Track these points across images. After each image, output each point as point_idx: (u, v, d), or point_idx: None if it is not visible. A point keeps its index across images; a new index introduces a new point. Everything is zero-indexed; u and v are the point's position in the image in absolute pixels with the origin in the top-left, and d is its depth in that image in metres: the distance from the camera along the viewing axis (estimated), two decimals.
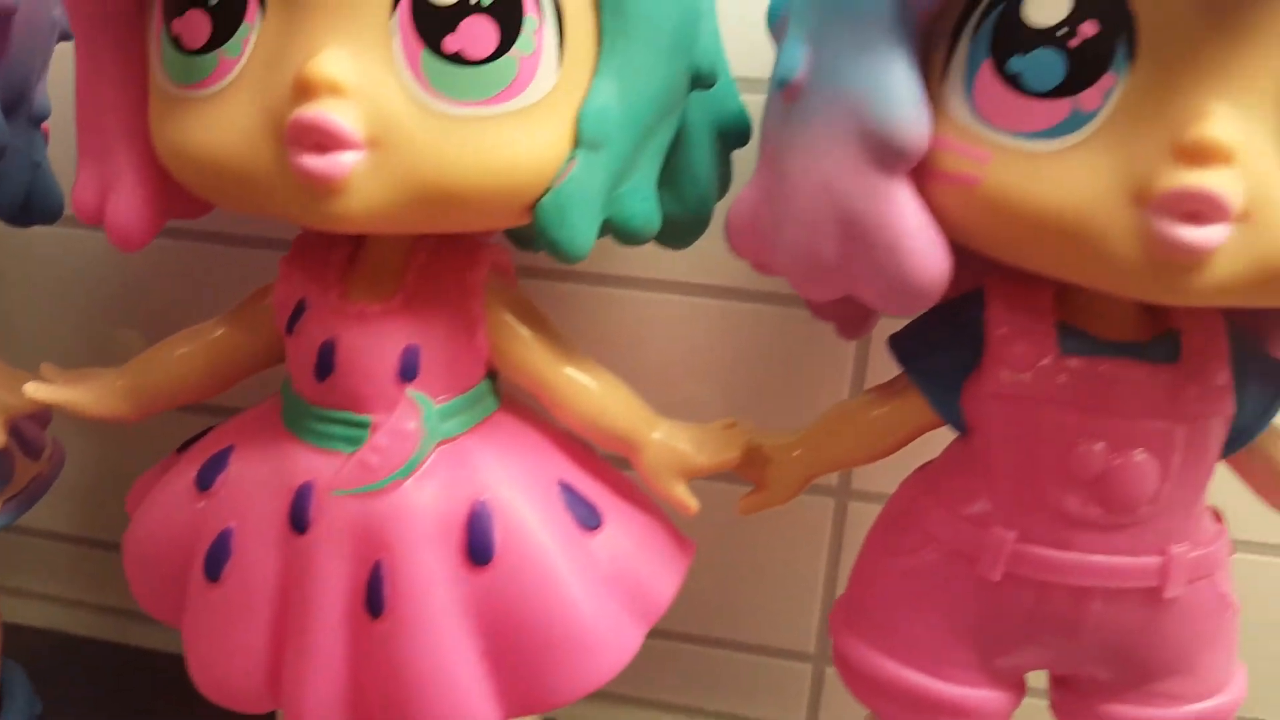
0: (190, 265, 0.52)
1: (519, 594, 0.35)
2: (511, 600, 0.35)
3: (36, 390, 0.39)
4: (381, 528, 0.35)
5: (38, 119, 0.42)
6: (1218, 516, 0.37)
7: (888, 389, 0.38)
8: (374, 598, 0.35)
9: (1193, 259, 0.27)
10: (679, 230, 0.39)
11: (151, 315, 0.54)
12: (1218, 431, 0.34)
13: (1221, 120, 0.27)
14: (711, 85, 0.35)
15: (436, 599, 0.35)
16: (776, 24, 0.34)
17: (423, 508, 0.35)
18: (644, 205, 0.35)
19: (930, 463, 0.38)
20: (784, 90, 0.32)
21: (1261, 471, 0.36)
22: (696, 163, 0.38)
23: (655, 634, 0.38)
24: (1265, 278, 0.28)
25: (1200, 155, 0.27)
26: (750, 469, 0.39)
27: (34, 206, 0.42)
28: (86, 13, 0.33)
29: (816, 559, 0.52)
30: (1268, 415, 0.35)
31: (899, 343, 0.37)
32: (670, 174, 0.37)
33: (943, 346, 0.36)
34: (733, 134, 0.39)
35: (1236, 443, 0.34)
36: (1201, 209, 0.27)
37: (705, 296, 0.48)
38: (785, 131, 0.32)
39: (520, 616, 0.35)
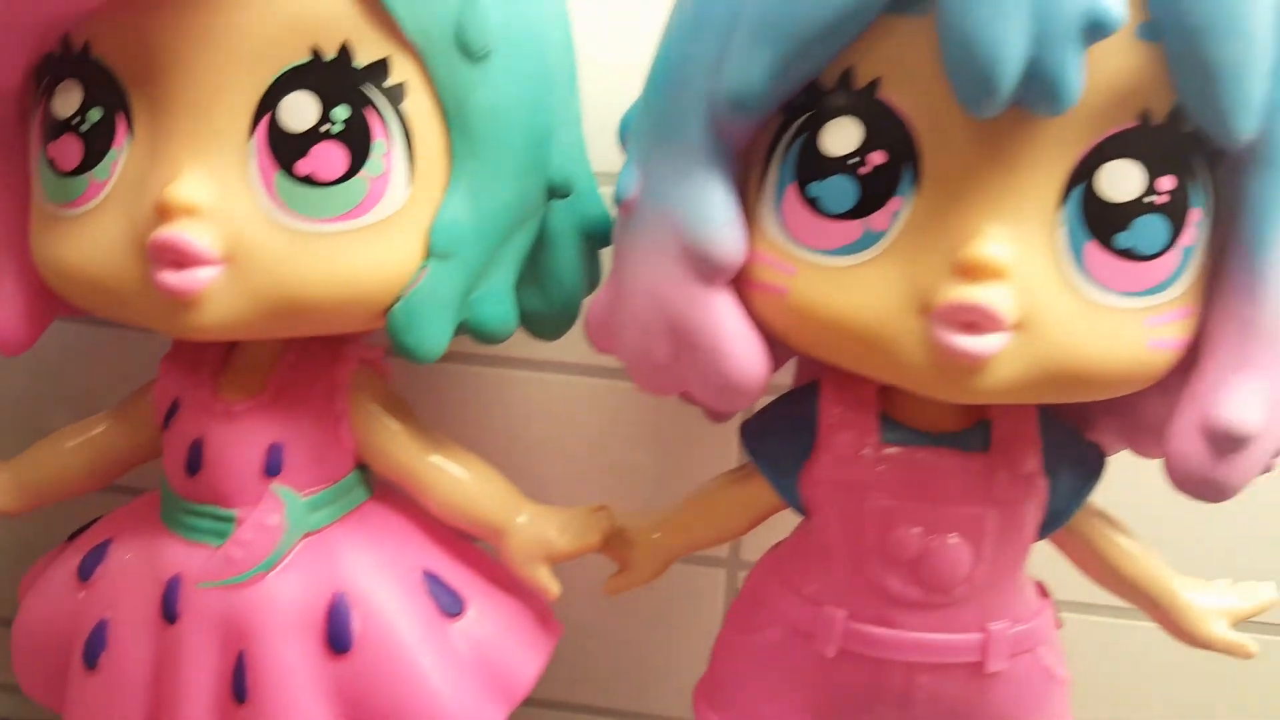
0: (99, 349, 0.54)
1: (377, 681, 0.37)
2: (371, 687, 0.37)
3: None
4: (245, 619, 0.36)
5: None
6: (1043, 592, 0.39)
7: (739, 473, 0.40)
8: (239, 685, 0.37)
9: (973, 364, 0.30)
10: (548, 324, 0.42)
11: (67, 398, 0.55)
12: (1031, 515, 0.37)
13: (994, 240, 0.30)
14: (567, 195, 0.38)
15: (297, 686, 0.36)
16: (624, 139, 0.37)
17: (284, 599, 0.37)
18: (499, 308, 0.37)
19: (780, 544, 0.41)
20: (621, 206, 0.35)
21: (1079, 550, 0.39)
22: (560, 264, 0.41)
23: (551, 705, 0.39)
24: (1043, 380, 0.31)
25: (975, 271, 0.30)
26: (615, 551, 0.41)
27: None
28: None
29: (710, 628, 0.53)
30: (1079, 499, 0.37)
31: (746, 430, 0.40)
32: (536, 274, 0.40)
33: (783, 435, 0.38)
34: (596, 236, 0.42)
35: (1051, 525, 0.37)
36: (977, 320, 0.30)
37: (600, 377, 0.51)
38: (625, 242, 0.35)
39: (379, 702, 0.37)
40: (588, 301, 0.39)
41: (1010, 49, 0.27)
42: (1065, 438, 0.37)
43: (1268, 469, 0.36)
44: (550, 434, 0.51)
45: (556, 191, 0.38)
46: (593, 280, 0.43)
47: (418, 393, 0.44)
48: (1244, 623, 0.39)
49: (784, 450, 0.38)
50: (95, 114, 0.33)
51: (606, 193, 0.39)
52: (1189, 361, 0.32)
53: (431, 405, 0.51)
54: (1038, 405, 0.37)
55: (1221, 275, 0.32)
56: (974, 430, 0.36)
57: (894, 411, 0.37)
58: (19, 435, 0.51)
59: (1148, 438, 0.36)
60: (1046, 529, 0.37)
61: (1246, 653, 0.38)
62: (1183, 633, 0.39)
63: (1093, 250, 0.30)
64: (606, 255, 0.43)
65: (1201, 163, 0.31)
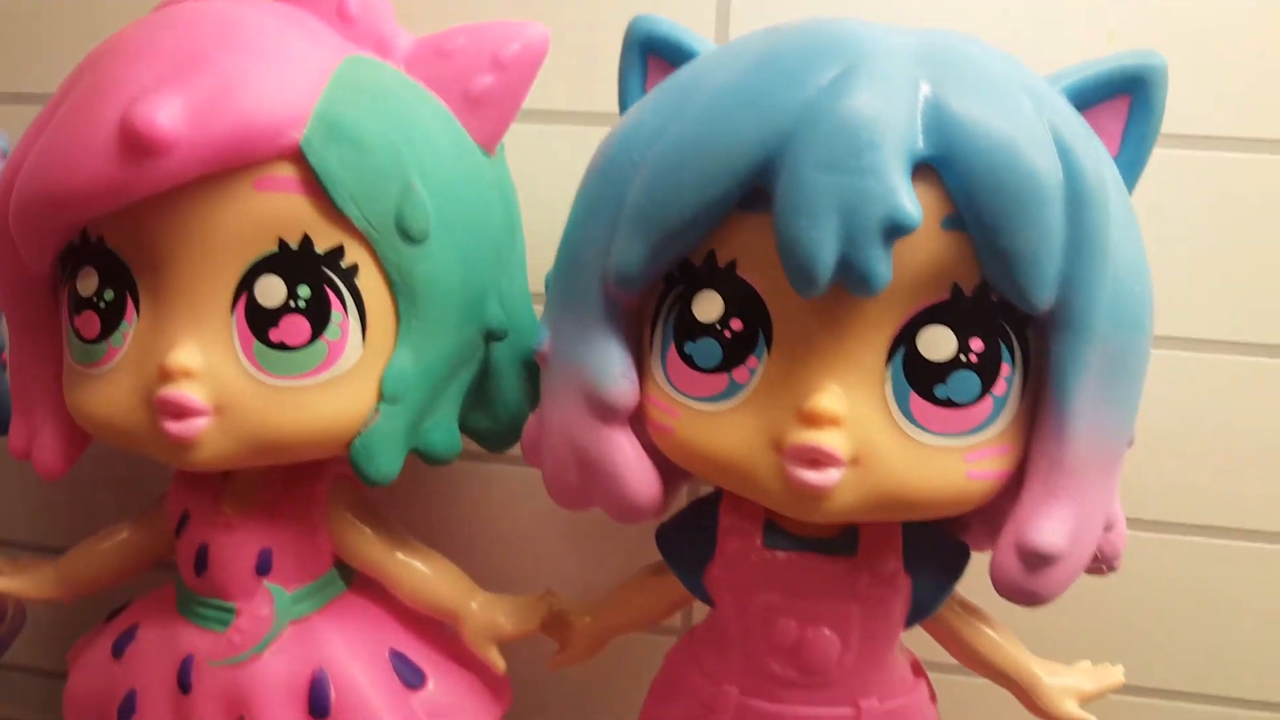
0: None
1: None
2: None
3: None
4: (244, 691, 0.44)
5: None
6: (917, 670, 0.45)
7: (657, 567, 0.47)
8: None
9: (817, 493, 0.36)
10: (495, 440, 0.49)
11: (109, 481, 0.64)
12: (896, 608, 0.42)
13: (830, 394, 0.36)
14: (503, 338, 0.45)
15: None
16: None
17: (275, 675, 0.44)
18: (445, 436, 0.45)
19: (695, 627, 0.47)
20: (537, 356, 0.42)
21: (945, 637, 0.45)
22: (504, 390, 0.48)
23: None
24: (877, 504, 0.37)
25: (814, 420, 0.36)
26: (555, 632, 0.48)
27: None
28: (18, 314, 0.44)
29: None
30: (942, 594, 0.43)
31: (661, 534, 0.46)
32: (483, 399, 0.47)
33: (689, 538, 0.45)
34: (536, 365, 0.49)
35: (917, 616, 0.43)
36: (818, 458, 0.36)
37: None
38: (545, 384, 0.42)
39: None
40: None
41: (824, 249, 0.33)
42: (929, 541, 0.43)
43: (1108, 570, 0.41)
44: (507, 523, 0.58)
45: (494, 335, 0.45)
46: (535, 400, 0.50)
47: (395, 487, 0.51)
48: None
49: (689, 551, 0.44)
50: (109, 294, 0.41)
51: None
52: (1015, 488, 0.38)
53: (406, 498, 0.59)
54: None
55: (1035, 418, 0.37)
56: (844, 536, 0.42)
57: (778, 520, 0.43)
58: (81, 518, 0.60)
59: None
60: (912, 619, 0.43)
61: None
62: (1036, 709, 0.44)
63: (915, 399, 0.36)
64: None
65: (1010, 325, 0.36)
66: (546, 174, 0.50)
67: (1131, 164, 0.39)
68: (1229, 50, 0.50)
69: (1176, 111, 0.50)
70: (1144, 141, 0.39)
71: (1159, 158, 0.44)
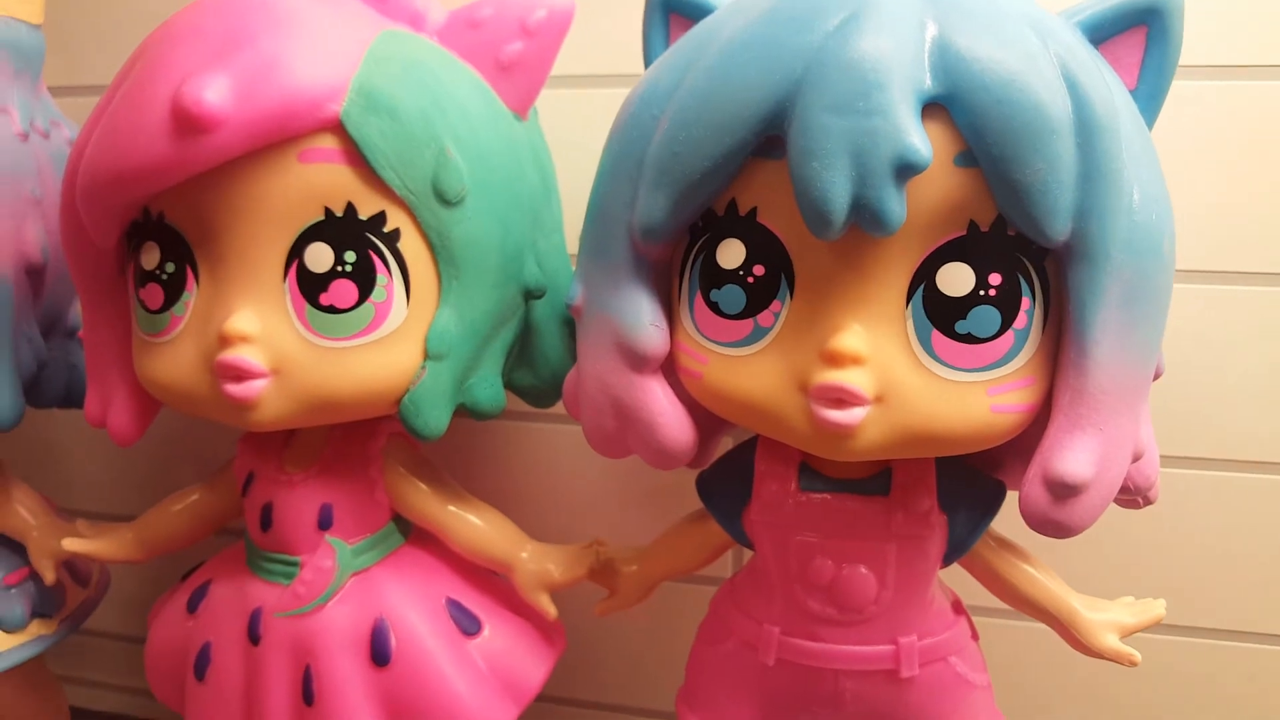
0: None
1: (413, 687, 0.47)
2: (408, 691, 0.47)
3: (71, 543, 0.52)
4: (310, 640, 0.47)
5: (72, 331, 0.56)
6: (958, 609, 0.46)
7: (699, 515, 0.48)
8: (307, 691, 0.47)
9: (843, 431, 0.37)
10: (540, 396, 0.51)
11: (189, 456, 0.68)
12: (932, 546, 0.43)
13: (852, 334, 0.37)
14: (541, 296, 0.47)
15: (351, 691, 0.47)
16: None
17: (338, 625, 0.47)
18: (489, 391, 0.47)
19: (736, 573, 0.49)
20: (571, 310, 0.43)
21: (984, 574, 0.46)
22: (546, 347, 0.50)
23: (562, 701, 0.48)
24: (903, 441, 0.38)
25: (837, 359, 0.37)
26: (603, 580, 0.50)
27: (73, 398, 0.56)
28: (87, 285, 0.47)
29: None
30: (977, 531, 0.44)
31: (700, 481, 0.47)
32: (526, 357, 0.49)
33: (727, 484, 0.46)
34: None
35: (954, 554, 0.44)
36: (843, 397, 0.37)
37: None
38: (580, 336, 0.44)
39: (415, 703, 0.47)
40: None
41: (837, 191, 0.34)
42: (963, 479, 0.43)
43: (1144, 502, 0.42)
44: (556, 478, 0.60)
45: (532, 294, 0.47)
46: (576, 357, 0.52)
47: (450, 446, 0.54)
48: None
49: (728, 496, 0.46)
50: (170, 266, 0.43)
51: None
52: (1045, 422, 0.38)
53: (461, 455, 0.61)
54: None
55: (1057, 351, 0.37)
56: (878, 477, 0.43)
57: (813, 462, 0.44)
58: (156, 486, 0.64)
59: None
60: (950, 557, 0.44)
61: (1132, 660, 0.44)
62: (1078, 643, 0.44)
63: (937, 336, 0.36)
64: None
65: (1028, 259, 0.36)
66: (581, 137, 0.51)
67: (1151, 95, 0.39)
68: None
69: (1215, 40, 0.50)
70: (1162, 72, 0.39)
71: (1191, 88, 0.44)
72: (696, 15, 0.42)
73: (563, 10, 0.46)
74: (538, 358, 0.49)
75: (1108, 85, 0.35)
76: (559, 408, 0.51)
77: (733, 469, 0.46)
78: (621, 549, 0.51)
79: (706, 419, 0.43)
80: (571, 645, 0.54)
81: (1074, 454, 0.36)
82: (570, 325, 0.50)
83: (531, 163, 0.47)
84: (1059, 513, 0.37)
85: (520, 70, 0.46)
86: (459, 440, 0.62)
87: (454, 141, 0.42)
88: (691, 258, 0.40)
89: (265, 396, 0.42)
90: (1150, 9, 0.38)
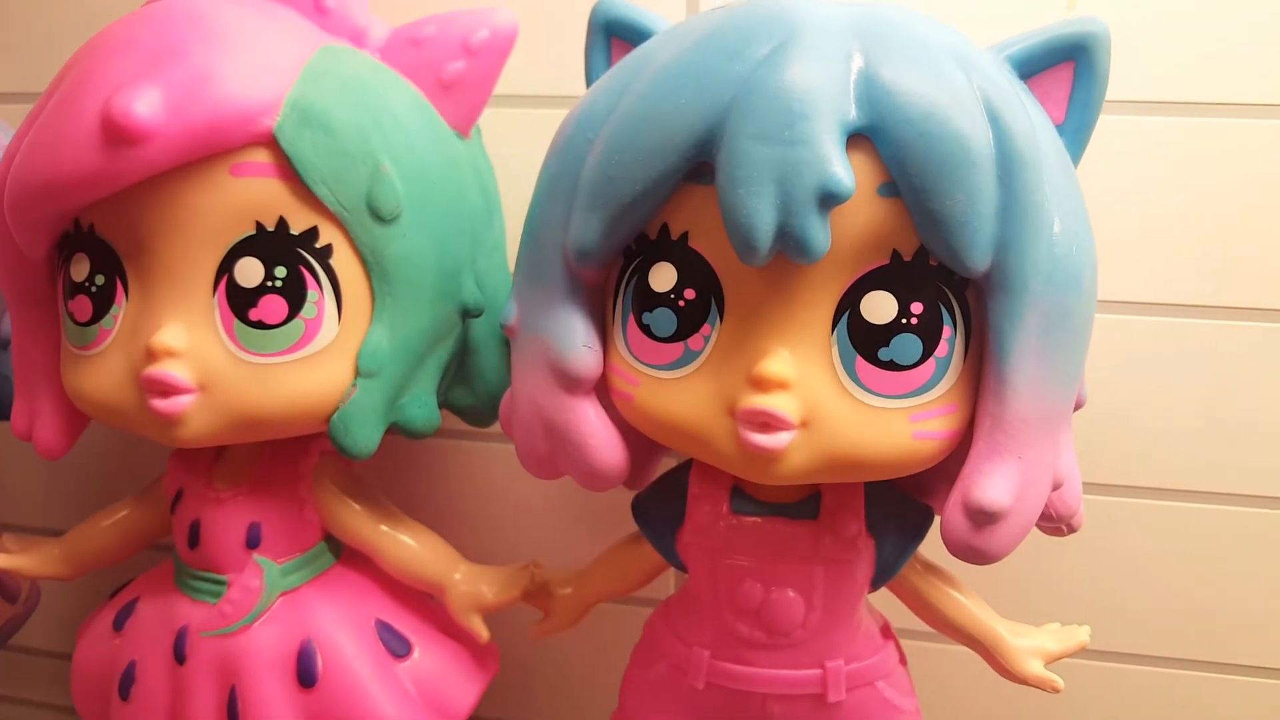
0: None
1: (339, 708, 0.46)
2: (334, 713, 0.46)
3: None
4: (236, 660, 0.46)
5: (4, 342, 0.55)
6: (886, 633, 0.46)
7: (635, 537, 0.48)
8: (233, 712, 0.46)
9: (770, 455, 0.37)
10: (478, 415, 0.51)
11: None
12: (860, 570, 0.44)
13: (779, 359, 0.37)
14: (479, 315, 0.47)
15: (277, 712, 0.46)
16: None
17: (264, 645, 0.46)
18: (423, 410, 0.46)
19: (671, 596, 0.49)
20: (505, 330, 0.43)
21: (910, 598, 0.46)
22: (484, 366, 0.50)
23: None
24: (828, 465, 0.38)
25: (763, 384, 0.37)
26: (537, 602, 0.50)
27: (2, 409, 0.55)
28: (16, 296, 0.46)
29: None
30: (904, 556, 0.44)
31: (635, 503, 0.47)
32: (464, 375, 0.49)
33: (661, 506, 0.46)
34: None
35: (881, 578, 0.44)
36: (769, 421, 0.37)
37: None
38: (513, 356, 0.44)
39: None
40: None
41: (763, 218, 0.34)
42: (892, 504, 0.44)
43: (1068, 530, 0.42)
44: (494, 498, 0.60)
45: (470, 312, 0.47)
46: None
47: (386, 465, 0.53)
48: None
49: (662, 518, 0.46)
50: (100, 279, 0.43)
51: None
52: (969, 448, 0.39)
53: (397, 474, 0.61)
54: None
55: (979, 379, 0.38)
56: (807, 501, 0.43)
57: (745, 486, 0.44)
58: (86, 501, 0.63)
59: None
60: (877, 581, 0.44)
61: (1055, 687, 0.44)
62: (1003, 669, 0.45)
63: (861, 363, 0.37)
64: None
65: (950, 288, 0.37)
66: (526, 156, 0.51)
67: (1078, 129, 0.40)
68: (1188, 16, 0.51)
69: (1145, 76, 0.51)
70: (1089, 107, 0.39)
71: (1129, 124, 0.44)
72: (637, 39, 0.43)
73: (505, 30, 0.46)
74: (476, 377, 0.49)
75: (1030, 119, 0.36)
76: (497, 427, 0.51)
77: (667, 491, 0.46)
78: (557, 570, 0.50)
79: (642, 441, 0.43)
80: (505, 667, 0.53)
81: (993, 481, 0.37)
82: (509, 345, 0.50)
83: (473, 181, 0.47)
84: (978, 539, 0.38)
85: (462, 89, 0.46)
86: (395, 459, 0.62)
87: (391, 158, 0.42)
88: (625, 280, 0.40)
89: (191, 412, 0.42)
90: (1078, 45, 0.39)
